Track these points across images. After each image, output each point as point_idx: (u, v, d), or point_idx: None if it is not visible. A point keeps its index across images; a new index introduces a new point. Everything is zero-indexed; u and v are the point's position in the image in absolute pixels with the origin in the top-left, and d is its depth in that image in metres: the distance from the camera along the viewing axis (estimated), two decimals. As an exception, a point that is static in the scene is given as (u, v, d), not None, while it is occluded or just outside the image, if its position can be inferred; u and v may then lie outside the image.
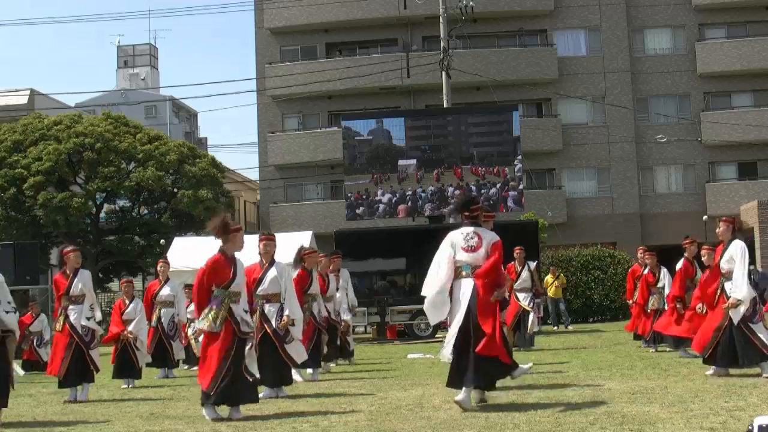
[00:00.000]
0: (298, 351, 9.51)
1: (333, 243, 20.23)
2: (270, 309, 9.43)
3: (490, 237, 7.83)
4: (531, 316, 14.91)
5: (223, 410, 7.82)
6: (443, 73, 28.81)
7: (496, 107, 28.99)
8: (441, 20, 29.34)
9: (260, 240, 9.75)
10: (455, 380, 7.68)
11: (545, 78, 36.21)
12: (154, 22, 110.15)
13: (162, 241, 27.22)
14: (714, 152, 35.95)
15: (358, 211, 23.49)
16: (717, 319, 9.62)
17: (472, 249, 7.74)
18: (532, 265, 15.90)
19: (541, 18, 37.03)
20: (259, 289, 9.46)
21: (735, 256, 9.44)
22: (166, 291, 13.64)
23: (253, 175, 56.05)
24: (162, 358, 13.38)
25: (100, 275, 30.43)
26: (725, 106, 36.40)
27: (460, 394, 7.54)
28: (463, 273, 7.74)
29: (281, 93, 37.05)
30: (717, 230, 9.78)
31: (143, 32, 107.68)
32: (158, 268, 14.14)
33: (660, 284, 13.90)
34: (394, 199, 23.34)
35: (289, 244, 22.48)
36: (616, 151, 36.09)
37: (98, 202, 30.50)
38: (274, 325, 9.33)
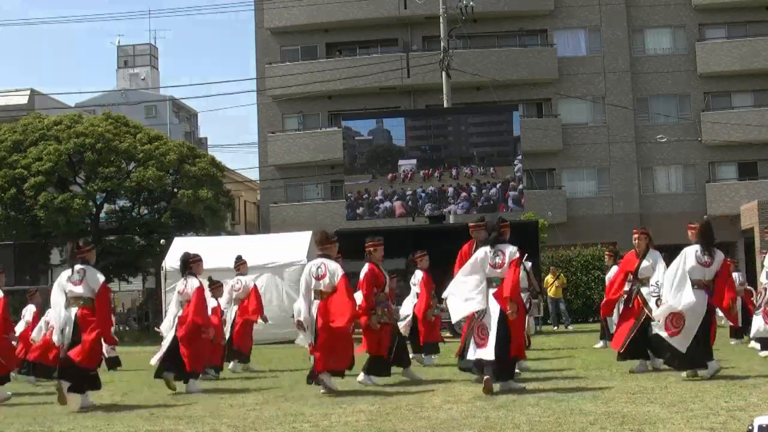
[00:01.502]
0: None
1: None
2: None
3: (511, 252, 9.01)
4: (527, 317, 14.89)
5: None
6: (443, 73, 28.81)
7: (496, 107, 28.96)
8: (441, 20, 29.33)
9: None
10: (502, 375, 8.74)
11: (545, 78, 36.22)
12: (154, 22, 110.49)
13: (162, 241, 27.18)
14: (714, 152, 35.95)
15: (358, 211, 23.46)
16: (632, 319, 10.38)
17: (497, 266, 9.01)
18: (528, 265, 15.89)
19: (541, 18, 37.03)
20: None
21: (656, 266, 10.23)
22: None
23: (253, 175, 56.03)
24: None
25: (101, 275, 30.37)
26: (725, 106, 36.39)
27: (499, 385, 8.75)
28: (493, 284, 8.99)
29: (281, 93, 37.06)
30: (633, 241, 10.62)
31: (143, 32, 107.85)
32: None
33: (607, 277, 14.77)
34: (394, 198, 23.33)
35: (289, 243, 22.59)
36: (616, 151, 36.09)
37: (98, 203, 30.46)
38: None
